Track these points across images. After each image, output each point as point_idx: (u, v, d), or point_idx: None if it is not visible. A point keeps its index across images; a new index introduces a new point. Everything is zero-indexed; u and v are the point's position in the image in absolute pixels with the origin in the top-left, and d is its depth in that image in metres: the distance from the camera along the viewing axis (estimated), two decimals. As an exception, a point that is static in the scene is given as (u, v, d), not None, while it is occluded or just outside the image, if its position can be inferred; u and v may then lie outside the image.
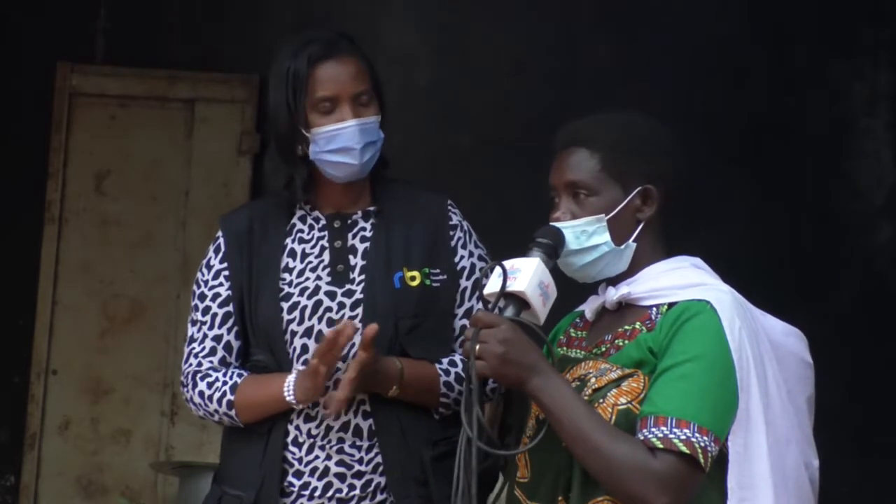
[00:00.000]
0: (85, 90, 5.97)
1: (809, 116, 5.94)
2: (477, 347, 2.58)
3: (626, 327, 2.70)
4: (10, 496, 5.85)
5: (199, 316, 3.22)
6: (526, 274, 2.62)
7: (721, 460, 2.59)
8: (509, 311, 2.62)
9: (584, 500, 2.60)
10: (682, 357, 2.58)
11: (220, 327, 3.20)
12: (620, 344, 2.69)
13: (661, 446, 2.53)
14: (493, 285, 2.63)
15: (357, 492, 3.09)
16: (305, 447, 3.12)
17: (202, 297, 3.23)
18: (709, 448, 2.55)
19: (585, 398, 2.61)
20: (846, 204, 5.95)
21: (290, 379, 3.07)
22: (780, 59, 5.96)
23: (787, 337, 2.76)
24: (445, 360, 3.15)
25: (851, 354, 5.79)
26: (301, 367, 3.10)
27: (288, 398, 3.07)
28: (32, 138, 5.92)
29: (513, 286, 2.61)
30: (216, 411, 3.16)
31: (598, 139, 2.74)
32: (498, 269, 2.62)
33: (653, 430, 2.54)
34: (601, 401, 2.61)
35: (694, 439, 2.53)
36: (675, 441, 2.53)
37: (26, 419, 5.83)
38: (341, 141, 3.12)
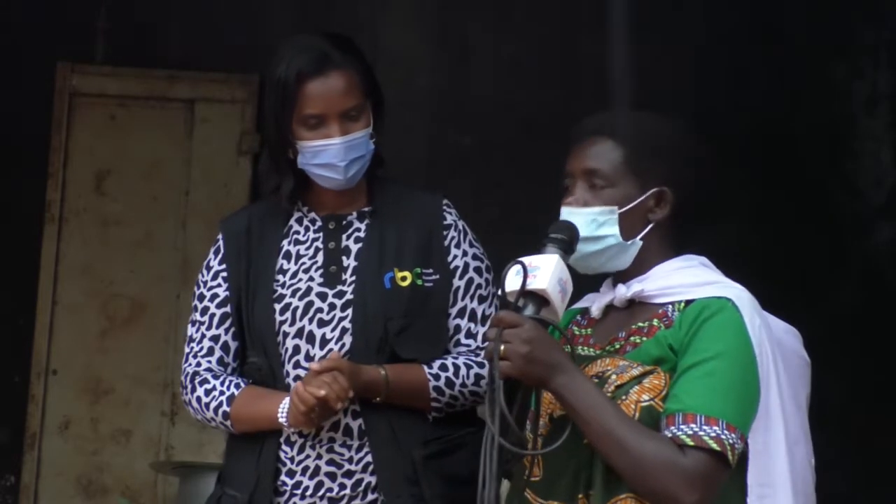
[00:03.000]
0: (85, 90, 5.97)
1: (809, 116, 5.94)
2: (501, 348, 2.57)
3: (642, 324, 2.70)
4: (10, 496, 5.84)
5: (198, 316, 3.24)
6: (546, 271, 2.60)
7: (741, 457, 2.60)
8: (529, 310, 2.60)
9: (606, 498, 2.59)
10: (706, 354, 2.58)
11: (217, 328, 3.22)
12: (637, 341, 2.68)
13: (691, 443, 2.52)
14: (512, 283, 2.61)
15: (348, 491, 3.10)
16: (297, 446, 3.13)
17: (201, 297, 3.25)
18: (736, 445, 2.55)
19: (608, 395, 2.61)
20: (846, 204, 5.95)
21: (286, 402, 3.08)
22: (780, 59, 5.96)
23: (787, 335, 2.78)
24: (436, 364, 3.15)
25: (851, 354, 5.79)
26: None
27: (281, 420, 3.08)
28: (32, 138, 5.92)
29: (533, 284, 2.59)
30: (212, 419, 3.18)
31: (626, 133, 2.73)
32: (517, 267, 2.61)
33: (682, 427, 2.54)
34: (624, 398, 2.61)
35: (723, 436, 2.53)
36: (706, 438, 2.53)
37: (26, 419, 5.83)
38: (326, 157, 3.13)
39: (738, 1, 5.95)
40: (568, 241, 2.67)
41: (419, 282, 3.16)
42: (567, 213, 2.72)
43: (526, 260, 2.62)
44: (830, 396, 5.69)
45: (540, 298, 2.61)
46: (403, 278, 3.15)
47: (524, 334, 2.57)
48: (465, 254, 3.22)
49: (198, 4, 6.04)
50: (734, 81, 5.93)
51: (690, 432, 2.53)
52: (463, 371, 3.13)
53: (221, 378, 3.19)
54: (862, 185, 5.97)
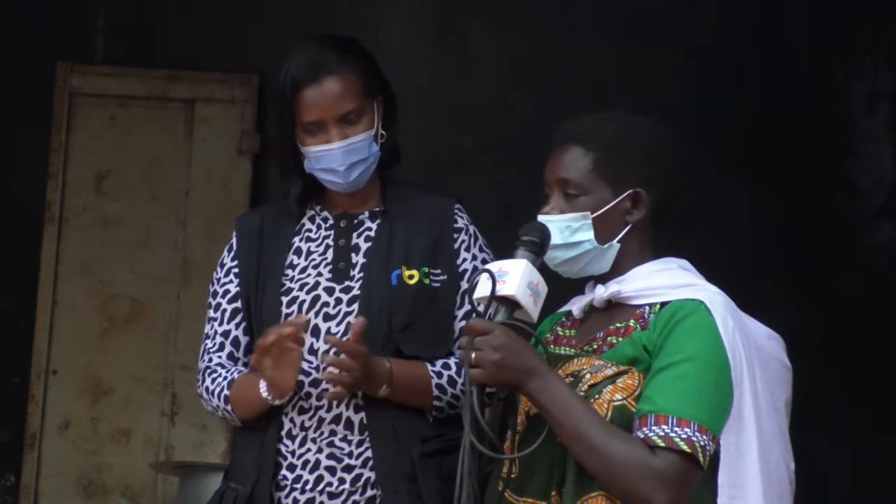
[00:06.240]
0: (85, 90, 5.96)
1: (809, 116, 5.94)
2: (472, 356, 2.59)
3: (619, 325, 2.73)
4: (10, 496, 5.84)
5: (211, 313, 3.30)
6: (514, 277, 2.63)
7: (712, 458, 2.62)
8: (501, 315, 2.64)
9: (578, 495, 2.62)
10: (678, 356, 2.61)
11: (228, 323, 3.26)
12: (614, 341, 2.71)
13: (662, 445, 2.56)
14: (482, 290, 2.65)
15: (347, 486, 3.12)
16: (298, 440, 3.15)
17: (214, 294, 3.30)
18: (707, 447, 2.58)
19: (581, 394, 2.64)
20: (846, 204, 5.95)
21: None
22: (780, 59, 5.96)
23: (768, 340, 2.80)
24: (439, 363, 3.17)
25: (851, 354, 5.79)
26: None
27: (264, 395, 3.11)
28: (32, 138, 5.92)
29: (502, 290, 2.63)
30: (218, 406, 3.23)
31: (594, 139, 2.76)
32: (485, 274, 2.63)
33: (654, 428, 2.57)
34: (597, 397, 2.64)
35: (694, 438, 2.56)
36: (677, 440, 2.55)
37: (26, 419, 5.83)
38: (326, 162, 3.17)
39: (738, 1, 5.95)
40: (539, 242, 2.69)
41: (426, 281, 3.18)
42: (542, 221, 2.75)
43: (495, 265, 2.66)
44: (830, 396, 5.70)
45: (512, 303, 2.64)
46: (411, 276, 3.18)
47: (494, 341, 2.60)
48: (474, 258, 3.24)
49: (198, 4, 6.04)
50: (734, 81, 5.93)
51: (662, 433, 2.56)
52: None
53: (228, 369, 3.23)
54: (862, 185, 5.97)
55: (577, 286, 2.87)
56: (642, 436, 2.57)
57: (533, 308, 2.65)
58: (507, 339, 2.61)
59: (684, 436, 2.55)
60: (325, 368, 3.06)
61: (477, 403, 2.60)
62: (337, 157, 3.16)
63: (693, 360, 2.60)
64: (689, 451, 2.55)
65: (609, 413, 2.61)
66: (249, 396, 3.15)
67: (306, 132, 3.17)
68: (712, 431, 2.58)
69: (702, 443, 2.56)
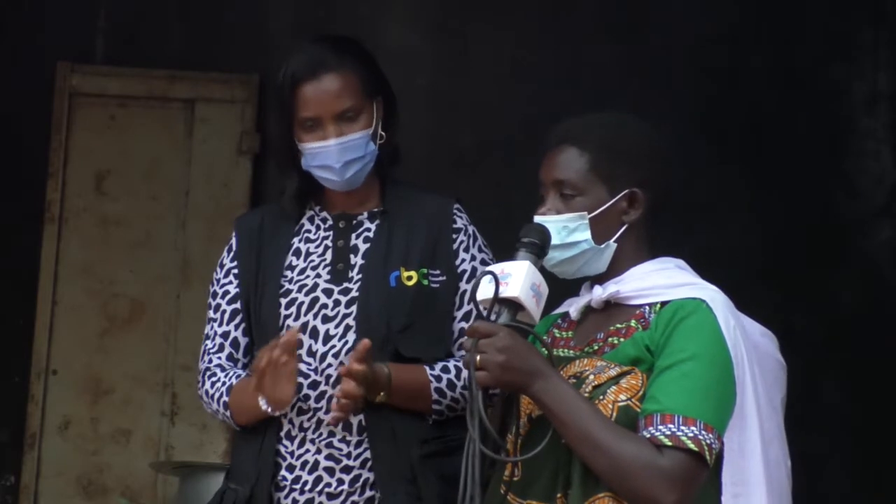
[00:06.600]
0: (85, 90, 5.97)
1: (809, 116, 5.95)
2: (477, 358, 2.59)
3: (620, 325, 2.72)
4: (10, 496, 5.84)
5: (211, 314, 3.29)
6: (517, 278, 2.62)
7: (716, 456, 2.62)
8: (504, 317, 2.63)
9: (584, 497, 2.62)
10: (681, 355, 2.61)
11: (228, 324, 3.25)
12: (615, 342, 2.71)
13: (669, 444, 2.55)
14: (485, 292, 2.64)
15: (345, 486, 3.12)
16: (297, 441, 3.15)
17: (214, 295, 3.30)
18: (713, 445, 2.58)
19: (585, 395, 2.63)
20: (846, 204, 5.95)
21: None
22: (780, 59, 5.96)
23: (762, 338, 2.81)
24: (438, 366, 3.16)
25: (851, 354, 5.79)
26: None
27: (263, 407, 3.10)
28: (32, 138, 5.92)
29: (506, 292, 2.62)
30: (218, 411, 3.22)
31: (590, 139, 2.76)
32: (489, 276, 2.62)
33: (660, 427, 2.56)
34: (601, 398, 2.63)
35: (701, 436, 2.56)
36: (684, 438, 2.55)
37: (26, 419, 5.83)
38: (322, 159, 3.16)
39: (738, 1, 5.95)
40: (540, 244, 2.68)
41: (425, 282, 3.18)
42: (538, 222, 2.74)
43: (498, 267, 2.65)
44: (830, 396, 5.70)
45: (515, 305, 2.63)
46: (409, 278, 3.17)
47: (499, 343, 2.59)
48: (473, 258, 3.23)
49: (198, 4, 6.04)
50: (734, 81, 5.93)
51: (668, 433, 2.56)
52: (465, 374, 3.14)
53: (227, 372, 3.22)
54: (862, 185, 5.97)
55: (570, 289, 2.86)
56: (648, 435, 2.57)
57: (535, 310, 2.64)
58: (512, 340, 2.60)
59: (691, 434, 2.55)
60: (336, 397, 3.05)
61: (482, 406, 2.60)
62: (333, 154, 3.15)
63: (696, 358, 2.60)
64: (696, 449, 2.55)
65: (614, 414, 2.61)
66: (248, 406, 3.13)
67: (303, 128, 3.17)
68: (717, 430, 2.59)
69: (708, 441, 2.56)
